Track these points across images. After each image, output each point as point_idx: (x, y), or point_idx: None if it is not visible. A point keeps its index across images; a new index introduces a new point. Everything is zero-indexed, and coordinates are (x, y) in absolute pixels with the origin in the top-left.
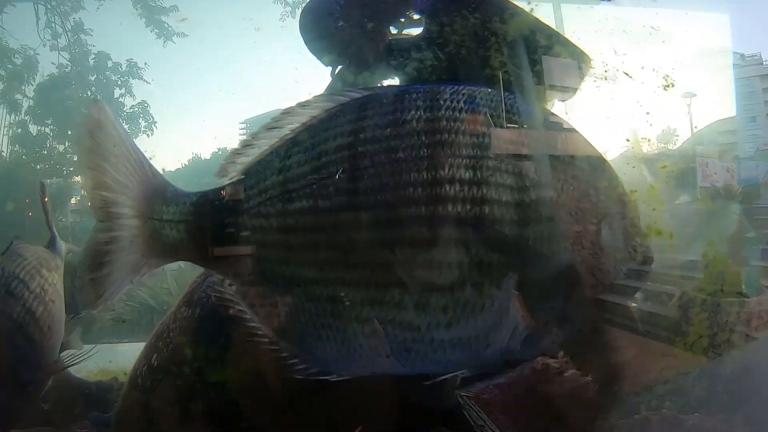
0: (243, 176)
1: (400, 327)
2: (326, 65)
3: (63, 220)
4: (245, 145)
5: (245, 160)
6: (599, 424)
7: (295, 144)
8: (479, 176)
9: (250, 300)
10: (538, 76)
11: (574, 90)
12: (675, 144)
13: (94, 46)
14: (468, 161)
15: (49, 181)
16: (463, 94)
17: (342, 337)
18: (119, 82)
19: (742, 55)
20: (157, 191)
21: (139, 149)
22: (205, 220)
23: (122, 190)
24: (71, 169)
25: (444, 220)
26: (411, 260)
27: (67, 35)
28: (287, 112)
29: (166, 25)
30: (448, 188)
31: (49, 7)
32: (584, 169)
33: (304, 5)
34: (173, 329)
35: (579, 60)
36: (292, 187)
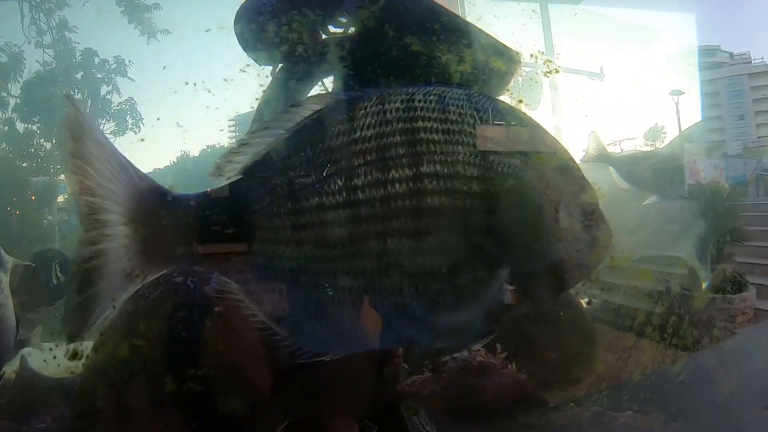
0: (244, 176)
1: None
2: (261, 65)
3: (50, 218)
4: (242, 144)
5: (242, 159)
6: (533, 419)
7: (294, 143)
8: (465, 171)
9: (252, 293)
10: (467, 74)
11: (503, 88)
12: (663, 142)
13: (78, 43)
14: (458, 157)
15: (35, 179)
16: (445, 95)
17: (340, 322)
18: (106, 80)
19: (731, 54)
20: (149, 195)
21: (119, 152)
22: (210, 223)
23: (108, 195)
24: (58, 167)
25: (434, 210)
26: (405, 250)
27: (52, 32)
28: (283, 112)
29: (150, 22)
30: (440, 181)
31: (33, 4)
32: (554, 164)
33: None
34: (142, 319)
35: (507, 58)
36: (298, 186)
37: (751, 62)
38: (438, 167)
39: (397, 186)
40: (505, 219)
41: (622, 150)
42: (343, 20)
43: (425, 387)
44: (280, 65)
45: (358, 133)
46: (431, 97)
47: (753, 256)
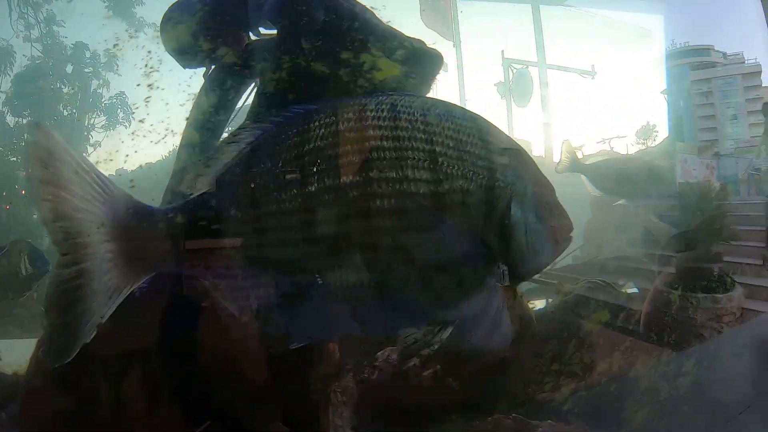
0: (213, 187)
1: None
2: (184, 68)
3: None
4: (209, 158)
5: (210, 171)
6: (455, 425)
7: (254, 156)
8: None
9: (227, 291)
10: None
11: (427, 90)
12: (654, 141)
13: (66, 37)
14: (406, 161)
15: (24, 173)
16: (396, 103)
17: (307, 315)
18: (95, 74)
19: (725, 54)
20: (129, 211)
21: (97, 169)
22: (192, 231)
23: (88, 217)
24: None
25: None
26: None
27: (40, 26)
28: (242, 128)
29: (136, 16)
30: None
31: None
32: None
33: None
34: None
35: (429, 60)
36: (260, 194)
37: (744, 62)
38: (388, 172)
39: (350, 190)
40: (454, 216)
41: (612, 148)
42: (262, 29)
43: (353, 389)
44: (209, 69)
45: (312, 144)
46: (383, 105)
47: (742, 255)
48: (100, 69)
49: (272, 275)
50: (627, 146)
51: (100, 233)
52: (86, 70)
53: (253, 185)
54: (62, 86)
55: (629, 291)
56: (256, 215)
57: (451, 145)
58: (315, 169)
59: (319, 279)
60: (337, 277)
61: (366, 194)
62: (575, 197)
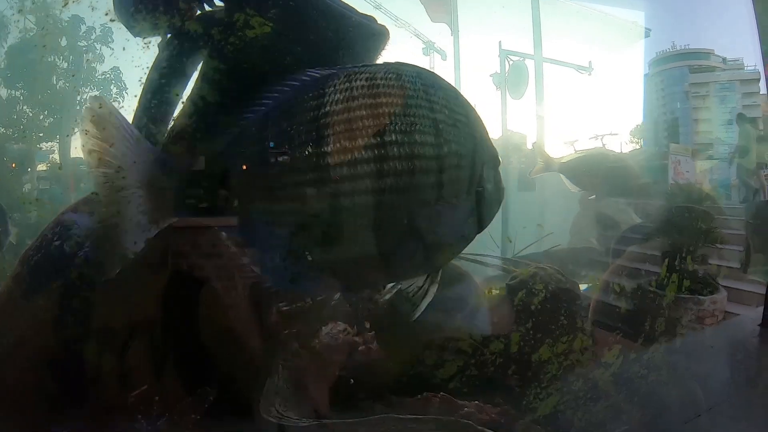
0: (231, 144)
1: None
2: (135, 36)
3: (28, 187)
4: (233, 116)
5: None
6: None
7: (270, 116)
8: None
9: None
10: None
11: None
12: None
13: (60, 11)
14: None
15: (16, 146)
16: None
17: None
18: (90, 48)
19: (725, 59)
20: (158, 163)
21: (135, 131)
22: (204, 184)
23: (123, 166)
24: (40, 134)
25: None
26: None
27: None
28: (262, 89)
29: None
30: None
31: None
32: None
33: None
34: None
35: (374, 35)
36: (274, 152)
37: (743, 68)
38: (395, 136)
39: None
40: (452, 178)
41: (604, 145)
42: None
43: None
44: (163, 39)
45: (328, 108)
46: (390, 74)
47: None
48: (94, 44)
49: (284, 230)
50: (620, 144)
51: (132, 180)
52: (80, 43)
53: (271, 143)
54: (56, 59)
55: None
56: (271, 172)
57: (446, 112)
58: (328, 132)
59: (329, 236)
60: (346, 234)
61: (378, 157)
62: (569, 194)
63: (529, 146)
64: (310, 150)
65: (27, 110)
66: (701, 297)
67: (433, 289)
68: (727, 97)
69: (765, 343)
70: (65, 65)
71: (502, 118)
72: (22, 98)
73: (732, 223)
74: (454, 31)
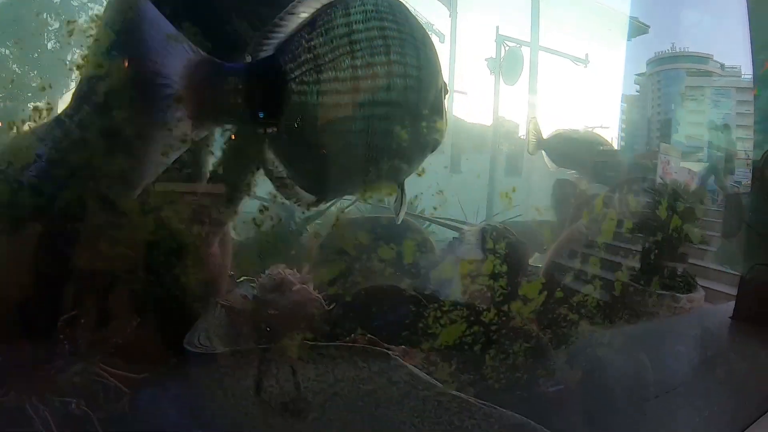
0: (276, 52)
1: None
2: None
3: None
4: (275, 25)
5: (274, 40)
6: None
7: (315, 26)
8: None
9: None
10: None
11: None
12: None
13: None
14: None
15: (3, 105)
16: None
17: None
18: (83, 7)
19: (722, 65)
20: (202, 65)
21: (177, 31)
22: (251, 89)
23: (165, 69)
24: (29, 94)
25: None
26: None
27: None
28: (300, 2)
29: None
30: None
31: None
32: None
33: None
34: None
35: None
36: (321, 62)
37: (741, 76)
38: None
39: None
40: (430, 95)
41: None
42: None
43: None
44: None
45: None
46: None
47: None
48: (87, 2)
49: (325, 137)
50: (611, 139)
51: (175, 83)
52: (73, 2)
53: (308, 54)
54: (48, 17)
55: None
56: (313, 79)
57: (422, 32)
58: (358, 47)
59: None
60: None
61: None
62: (554, 178)
63: (521, 134)
64: (346, 64)
65: (17, 69)
66: (679, 295)
67: (406, 200)
68: (722, 102)
69: (732, 332)
70: (56, 24)
71: (494, 104)
72: (11, 56)
73: (715, 226)
74: (453, 13)
